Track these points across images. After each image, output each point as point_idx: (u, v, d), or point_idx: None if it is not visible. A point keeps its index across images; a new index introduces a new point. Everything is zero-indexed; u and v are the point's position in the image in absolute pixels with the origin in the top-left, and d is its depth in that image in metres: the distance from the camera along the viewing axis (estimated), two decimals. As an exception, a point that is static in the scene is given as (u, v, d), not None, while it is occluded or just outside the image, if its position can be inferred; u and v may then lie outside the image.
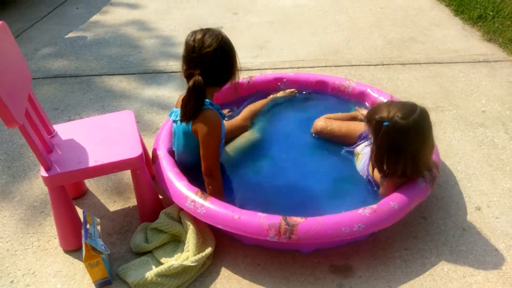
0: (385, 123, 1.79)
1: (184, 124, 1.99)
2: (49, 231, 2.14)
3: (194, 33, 1.94)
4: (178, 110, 2.04)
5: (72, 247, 2.02)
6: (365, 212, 1.78)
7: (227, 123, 2.43)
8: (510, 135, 2.64)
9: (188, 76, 1.94)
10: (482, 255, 1.92)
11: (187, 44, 1.93)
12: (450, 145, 2.57)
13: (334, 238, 1.74)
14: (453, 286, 1.79)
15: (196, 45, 1.88)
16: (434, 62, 3.47)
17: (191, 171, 2.08)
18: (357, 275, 1.85)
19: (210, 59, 1.88)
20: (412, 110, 1.83)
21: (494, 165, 2.42)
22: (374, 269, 1.87)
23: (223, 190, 2.05)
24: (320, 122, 2.42)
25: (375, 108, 1.90)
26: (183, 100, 1.94)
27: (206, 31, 1.92)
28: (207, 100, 1.95)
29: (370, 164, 1.98)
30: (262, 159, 2.33)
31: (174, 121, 2.09)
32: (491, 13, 4.09)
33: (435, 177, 1.99)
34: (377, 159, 1.89)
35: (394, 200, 1.83)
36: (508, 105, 2.90)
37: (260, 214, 1.79)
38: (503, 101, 2.95)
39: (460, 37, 3.86)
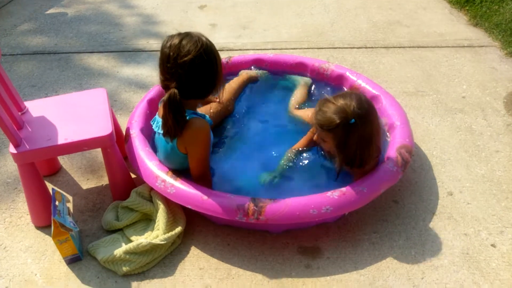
0: (352, 121, 1.75)
1: (167, 139, 1.86)
2: (22, 208, 2.13)
3: (170, 38, 1.71)
4: (160, 121, 1.87)
5: (43, 223, 2.02)
6: (334, 194, 1.78)
7: (209, 108, 2.32)
8: (488, 121, 2.64)
9: (164, 88, 1.76)
10: (450, 239, 1.94)
11: (162, 51, 1.70)
12: (427, 130, 2.57)
13: (301, 219, 1.75)
14: (419, 269, 1.81)
15: (172, 53, 1.66)
16: (418, 46, 3.45)
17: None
18: (325, 256, 1.87)
19: (187, 70, 1.67)
20: (357, 96, 1.81)
21: (469, 151, 2.43)
22: (342, 251, 1.89)
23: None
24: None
25: (324, 115, 1.79)
26: (162, 116, 1.76)
27: (184, 36, 1.70)
28: (188, 110, 1.81)
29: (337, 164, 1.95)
30: (237, 141, 2.32)
31: (157, 132, 1.94)
32: (478, -3, 4.06)
33: (407, 161, 2.00)
34: (349, 157, 1.86)
35: (363, 183, 1.84)
36: (489, 91, 2.91)
37: (229, 195, 1.80)
38: (484, 87, 2.95)
39: (446, 21, 3.83)
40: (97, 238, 1.96)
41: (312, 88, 2.67)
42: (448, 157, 2.38)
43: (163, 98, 1.96)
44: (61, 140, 1.86)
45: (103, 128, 1.92)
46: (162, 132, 1.85)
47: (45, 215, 1.99)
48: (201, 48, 1.68)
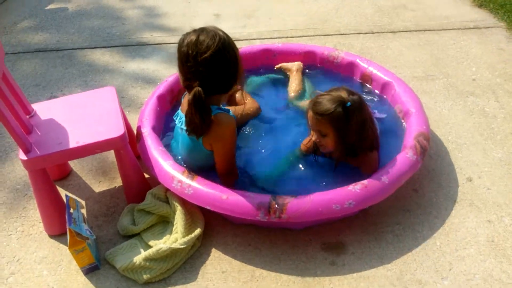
0: (348, 104, 1.76)
1: (193, 137, 1.82)
2: (33, 215, 2.08)
3: (186, 36, 1.66)
4: (183, 116, 1.84)
5: (57, 232, 1.97)
6: (356, 188, 1.73)
7: (240, 110, 2.24)
8: (501, 103, 2.59)
9: (187, 88, 1.71)
10: (474, 227, 1.90)
11: (179, 51, 1.66)
12: (440, 114, 2.52)
13: (325, 216, 1.71)
14: (446, 260, 1.78)
15: (190, 51, 1.62)
16: (425, 29, 3.38)
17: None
18: (350, 251, 1.83)
19: (208, 67, 1.62)
20: (345, 87, 1.86)
21: (485, 134, 2.38)
22: (366, 245, 1.85)
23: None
24: None
25: (321, 104, 1.80)
26: (186, 114, 1.72)
27: (200, 32, 1.65)
28: (213, 105, 1.76)
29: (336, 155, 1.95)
30: (250, 139, 2.27)
31: (180, 128, 1.91)
32: (483, -23, 3.97)
33: (426, 149, 1.95)
34: (350, 143, 1.86)
35: (384, 175, 1.79)
36: (499, 73, 2.85)
37: (248, 193, 1.75)
38: (494, 69, 2.89)
39: (451, 3, 3.76)
40: (113, 244, 1.92)
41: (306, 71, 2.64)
42: (464, 142, 2.34)
43: (185, 94, 1.92)
44: (73, 143, 1.80)
45: (116, 129, 1.87)
46: (186, 130, 1.80)
47: (58, 223, 1.94)
48: (219, 42, 1.64)
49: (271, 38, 3.42)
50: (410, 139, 1.96)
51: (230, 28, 3.58)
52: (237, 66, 1.73)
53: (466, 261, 1.77)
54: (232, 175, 1.93)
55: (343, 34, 3.39)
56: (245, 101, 2.27)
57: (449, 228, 1.90)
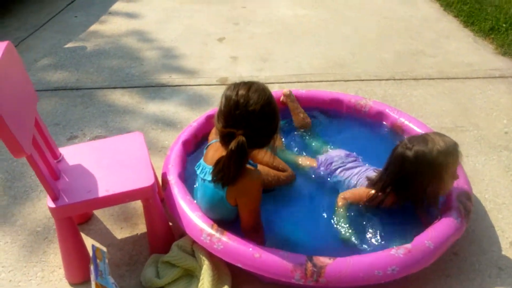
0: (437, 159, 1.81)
1: (217, 187, 1.78)
2: (53, 261, 2.02)
3: (236, 86, 1.69)
4: (207, 167, 1.83)
5: (78, 281, 1.90)
6: (399, 252, 1.65)
7: (271, 174, 2.19)
8: (538, 160, 2.52)
9: (226, 135, 1.69)
10: (521, 298, 1.81)
11: (228, 98, 1.67)
12: (474, 170, 2.45)
13: (366, 282, 1.62)
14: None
15: (242, 100, 1.63)
16: (448, 77, 3.37)
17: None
18: (389, 319, 1.73)
19: (256, 117, 1.64)
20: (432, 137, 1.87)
21: (524, 194, 2.29)
22: (409, 314, 1.75)
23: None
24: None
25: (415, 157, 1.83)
26: (219, 162, 1.70)
27: (250, 85, 1.68)
28: None
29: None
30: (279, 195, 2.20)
31: (202, 179, 1.87)
32: (504, 25, 4.00)
33: (470, 210, 1.88)
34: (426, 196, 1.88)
35: (429, 239, 1.71)
36: (532, 126, 2.80)
37: (282, 252, 1.67)
38: (527, 121, 2.83)
39: (472, 50, 3.77)
40: (136, 296, 1.85)
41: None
42: (503, 201, 2.25)
43: (208, 145, 1.89)
44: (102, 192, 1.75)
45: (145, 178, 1.82)
46: (212, 178, 1.76)
47: (81, 272, 1.87)
48: (269, 97, 1.69)
49: (289, 82, 3.42)
50: (453, 199, 1.89)
51: (247, 71, 3.60)
52: (278, 123, 1.75)
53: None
54: (257, 233, 1.87)
55: (364, 80, 3.38)
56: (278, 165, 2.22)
57: (496, 298, 1.81)
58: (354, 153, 2.30)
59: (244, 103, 1.64)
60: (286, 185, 2.22)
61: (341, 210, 2.02)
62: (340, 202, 2.05)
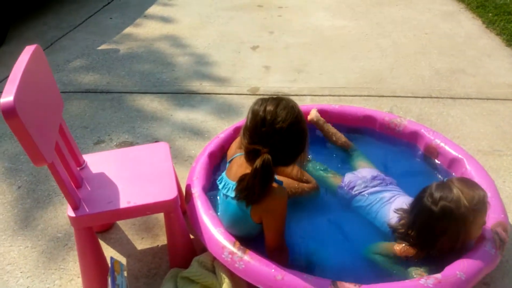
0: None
1: (240, 204, 1.72)
2: (72, 269, 1.99)
3: (264, 102, 1.63)
4: (230, 183, 1.76)
5: (95, 291, 1.86)
6: (428, 283, 1.55)
7: (295, 185, 2.12)
8: None
9: (251, 152, 1.62)
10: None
11: (255, 114, 1.61)
12: (511, 197, 2.33)
13: (391, 311, 1.53)
14: None
15: (269, 117, 1.57)
16: (487, 98, 3.22)
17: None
18: None
19: (283, 136, 1.57)
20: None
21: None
22: None
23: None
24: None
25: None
26: (243, 179, 1.64)
27: (279, 101, 1.62)
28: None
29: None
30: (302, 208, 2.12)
31: (224, 195, 1.81)
32: (546, 45, 3.83)
33: (505, 242, 1.77)
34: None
35: (461, 270, 1.61)
36: None
37: (306, 275, 1.59)
38: None
39: (513, 71, 3.61)
40: (153, 311, 1.79)
41: None
42: (541, 231, 2.13)
43: (233, 158, 1.83)
44: (123, 203, 1.71)
45: (168, 191, 1.77)
46: (235, 196, 1.69)
47: (98, 283, 1.83)
48: (298, 115, 1.61)
49: (322, 95, 3.32)
50: (487, 229, 1.78)
51: (279, 81, 3.53)
52: (306, 142, 1.66)
53: None
54: (282, 253, 1.80)
55: (399, 96, 3.26)
56: (301, 177, 2.13)
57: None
58: (383, 174, 2.20)
59: (271, 120, 1.57)
60: (310, 197, 2.14)
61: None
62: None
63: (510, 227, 2.05)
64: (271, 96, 1.67)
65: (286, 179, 2.04)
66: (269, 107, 1.59)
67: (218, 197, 1.98)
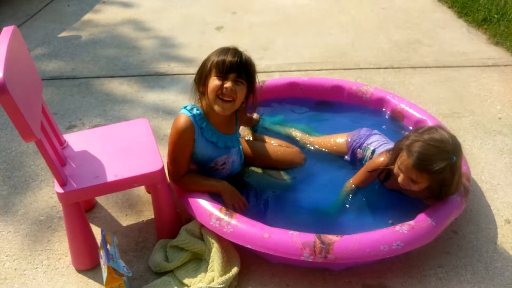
0: (454, 159, 1.72)
1: None
2: (59, 249, 2.01)
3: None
4: None
5: (86, 267, 1.89)
6: (403, 229, 1.69)
7: (281, 150, 2.25)
8: (529, 143, 2.58)
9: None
10: (518, 271, 1.85)
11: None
12: (471, 153, 2.50)
13: (372, 257, 1.65)
14: (493, 306, 1.72)
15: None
16: (444, 66, 3.41)
17: None
18: (393, 295, 1.77)
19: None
20: (442, 131, 1.79)
21: (517, 175, 2.35)
22: (411, 289, 1.79)
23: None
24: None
25: (429, 161, 1.72)
26: None
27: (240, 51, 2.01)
28: (187, 105, 1.94)
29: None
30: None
31: None
32: (495, 16, 4.04)
33: (469, 190, 1.93)
34: (443, 191, 1.81)
35: (431, 216, 1.75)
36: (524, 112, 2.85)
37: (291, 232, 1.69)
38: (518, 107, 2.90)
39: (466, 40, 3.80)
40: (145, 281, 1.84)
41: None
42: (498, 182, 2.32)
43: None
44: (110, 177, 1.75)
45: (153, 163, 1.81)
46: None
47: (88, 258, 1.87)
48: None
49: (289, 70, 3.42)
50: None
51: (247, 59, 3.57)
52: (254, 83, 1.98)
53: (514, 307, 1.72)
54: (179, 183, 1.95)
55: (363, 68, 3.39)
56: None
57: (493, 272, 1.85)
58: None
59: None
60: (296, 165, 2.25)
61: (346, 189, 2.08)
62: (348, 184, 2.10)
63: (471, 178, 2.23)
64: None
65: (268, 144, 2.16)
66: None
67: None
